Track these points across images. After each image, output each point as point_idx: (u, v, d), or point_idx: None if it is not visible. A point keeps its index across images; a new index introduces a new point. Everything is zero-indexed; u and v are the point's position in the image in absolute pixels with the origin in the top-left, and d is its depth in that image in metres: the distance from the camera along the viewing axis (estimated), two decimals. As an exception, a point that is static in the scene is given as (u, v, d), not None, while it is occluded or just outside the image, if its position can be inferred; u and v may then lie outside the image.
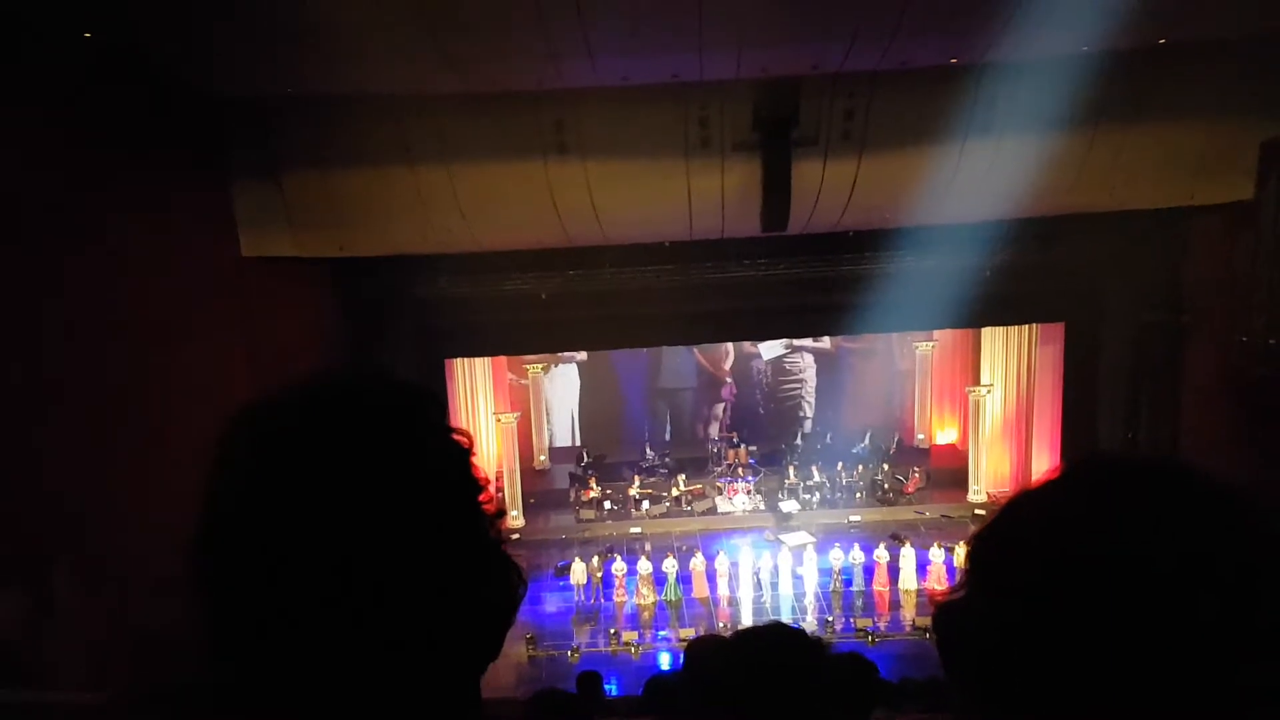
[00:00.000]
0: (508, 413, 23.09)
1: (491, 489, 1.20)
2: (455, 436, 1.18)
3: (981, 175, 13.83)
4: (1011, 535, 1.19)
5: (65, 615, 12.28)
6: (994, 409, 22.57)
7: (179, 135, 12.98)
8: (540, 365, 25.82)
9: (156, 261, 12.92)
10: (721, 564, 19.31)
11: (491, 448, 22.89)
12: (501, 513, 1.20)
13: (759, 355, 27.23)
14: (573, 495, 23.19)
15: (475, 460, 1.19)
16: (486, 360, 23.10)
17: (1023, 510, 1.20)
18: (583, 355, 26.52)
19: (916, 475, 23.08)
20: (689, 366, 27.27)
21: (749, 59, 11.72)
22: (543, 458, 25.86)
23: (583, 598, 19.13)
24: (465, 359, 22.03)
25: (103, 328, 12.26)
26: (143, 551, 12.85)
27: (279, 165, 13.99)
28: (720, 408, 27.49)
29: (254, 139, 13.76)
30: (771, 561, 19.35)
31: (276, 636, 1.06)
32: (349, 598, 1.05)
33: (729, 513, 22.40)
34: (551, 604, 19.17)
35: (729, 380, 27.44)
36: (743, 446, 24.51)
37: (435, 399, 1.19)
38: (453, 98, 12.83)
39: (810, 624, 17.71)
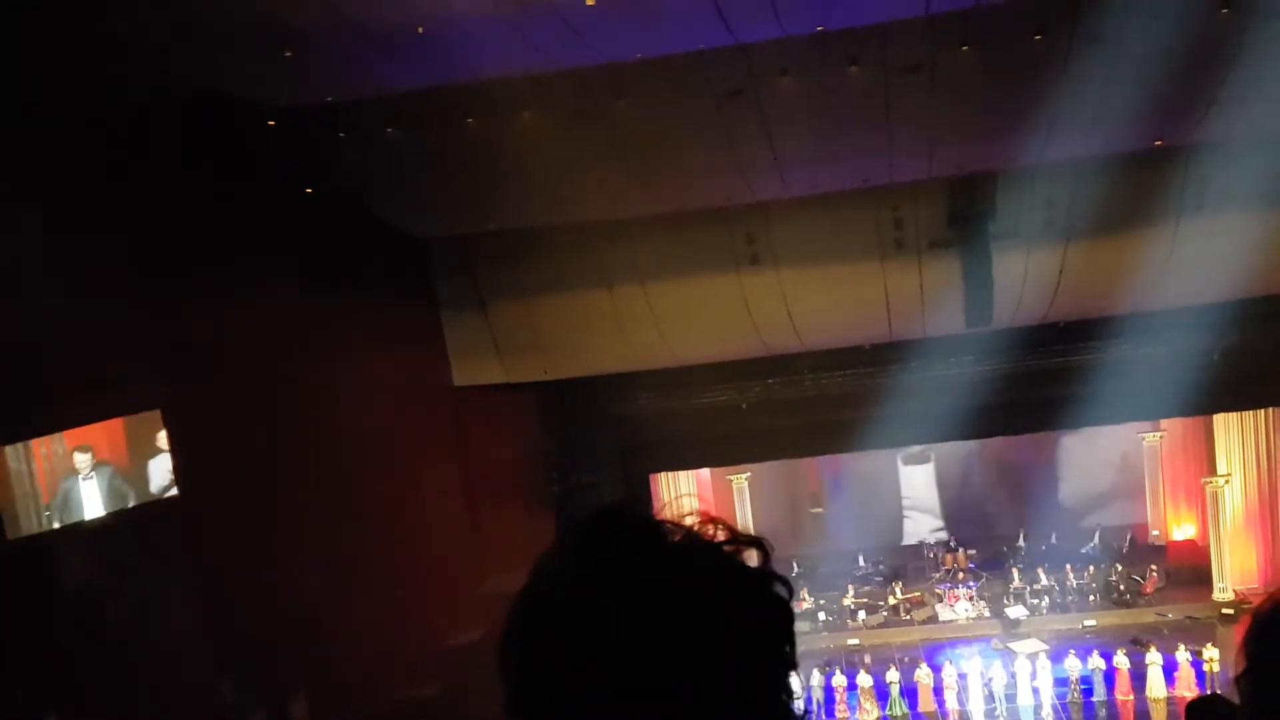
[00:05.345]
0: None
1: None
2: (777, 588, 1.15)
3: (1199, 256, 13.13)
4: None
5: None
6: (1234, 500, 21.03)
7: (392, 275, 13.83)
8: (743, 475, 25.60)
9: (376, 390, 13.66)
10: (949, 675, 18.44)
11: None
12: (797, 664, 1.19)
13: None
14: (785, 606, 22.69)
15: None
16: (690, 472, 23.08)
17: None
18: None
19: (1155, 574, 21.57)
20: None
21: (941, 158, 11.60)
22: (751, 569, 25.42)
23: (802, 713, 18.50)
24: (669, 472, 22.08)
25: (332, 460, 12.97)
26: (373, 678, 13.32)
27: (485, 297, 14.66)
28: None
29: (461, 273, 14.50)
30: (1003, 671, 18.34)
31: None
32: None
33: (952, 620, 21.44)
34: (770, 722, 18.64)
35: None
36: (961, 551, 23.46)
37: (761, 543, 1.15)
38: (645, 220, 13.19)
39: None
